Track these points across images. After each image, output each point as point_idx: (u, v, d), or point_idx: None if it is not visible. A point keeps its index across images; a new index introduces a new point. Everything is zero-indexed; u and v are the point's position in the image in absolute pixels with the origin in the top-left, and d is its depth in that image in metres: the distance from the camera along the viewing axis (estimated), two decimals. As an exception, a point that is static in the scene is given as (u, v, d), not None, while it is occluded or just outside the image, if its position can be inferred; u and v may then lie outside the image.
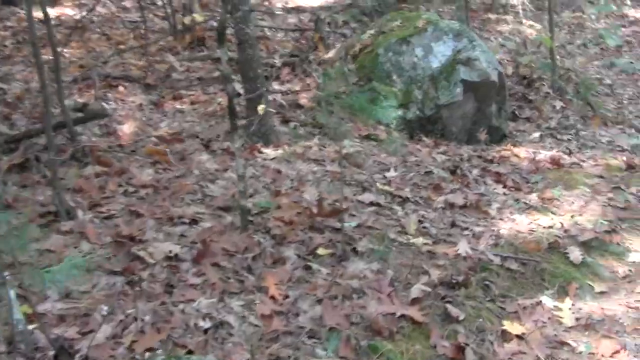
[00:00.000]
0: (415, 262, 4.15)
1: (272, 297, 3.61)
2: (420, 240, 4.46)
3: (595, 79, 10.04)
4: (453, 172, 5.79)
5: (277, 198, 4.75)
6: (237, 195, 4.35)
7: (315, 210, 4.55)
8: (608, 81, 10.21)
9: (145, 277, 3.59)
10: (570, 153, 6.83)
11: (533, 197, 5.50)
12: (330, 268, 3.98)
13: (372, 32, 7.42)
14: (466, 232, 4.72)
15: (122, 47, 7.92)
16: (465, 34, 7.21)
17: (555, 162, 6.35)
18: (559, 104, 8.27)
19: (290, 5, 10.83)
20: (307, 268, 3.95)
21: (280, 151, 5.58)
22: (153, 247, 3.86)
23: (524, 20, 11.48)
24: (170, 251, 3.84)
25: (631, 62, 11.15)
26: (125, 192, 4.60)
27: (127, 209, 4.32)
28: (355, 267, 4.02)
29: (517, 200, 5.42)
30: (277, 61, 7.47)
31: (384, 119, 6.49)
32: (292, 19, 9.93)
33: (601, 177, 6.14)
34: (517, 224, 4.96)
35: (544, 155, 6.57)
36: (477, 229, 4.78)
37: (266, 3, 10.66)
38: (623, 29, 13.01)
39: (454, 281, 4.01)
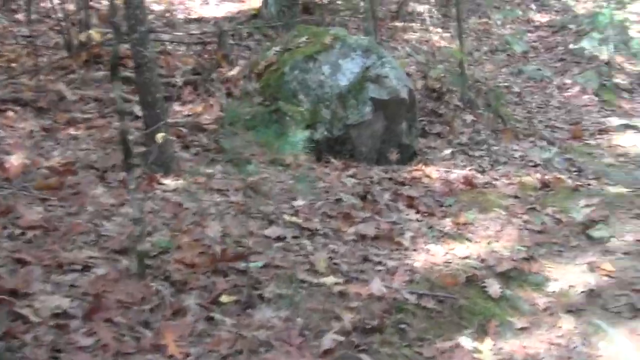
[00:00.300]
0: (326, 306, 3.90)
1: (172, 357, 3.30)
2: (331, 279, 4.19)
3: (504, 87, 10.00)
4: (363, 198, 5.55)
5: (177, 236, 4.43)
6: (134, 237, 4.02)
7: (218, 249, 4.26)
8: (516, 89, 10.20)
9: (28, 340, 3.23)
10: (483, 171, 6.70)
11: (447, 223, 5.34)
12: (235, 318, 3.69)
13: (277, 48, 7.14)
14: (379, 267, 4.48)
15: (13, 65, 7.48)
16: (375, 50, 7.00)
17: (469, 182, 6.21)
18: (469, 118, 8.13)
19: (193, 16, 10.50)
20: (210, 319, 3.64)
21: (181, 181, 5.26)
22: (39, 301, 3.50)
23: (431, 28, 11.37)
24: (58, 306, 3.49)
25: (539, 69, 11.17)
26: (10, 235, 4.20)
27: (11, 256, 3.94)
28: (262, 316, 3.73)
29: (431, 227, 5.24)
30: (179, 80, 7.13)
31: (292, 151, 6.23)
32: (195, 31, 9.60)
33: (516, 197, 6.05)
34: (432, 255, 4.77)
35: (456, 174, 6.41)
36: (391, 263, 4.54)
37: (168, 14, 10.30)
38: (529, 34, 13.11)
39: (368, 326, 3.77)
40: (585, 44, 11.87)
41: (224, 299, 3.82)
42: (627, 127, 9.04)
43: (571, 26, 13.14)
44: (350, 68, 6.75)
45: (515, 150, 7.63)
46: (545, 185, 6.38)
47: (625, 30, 12.16)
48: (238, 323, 3.64)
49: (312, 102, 6.61)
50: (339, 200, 5.40)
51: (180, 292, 3.83)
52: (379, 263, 4.55)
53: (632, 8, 13.00)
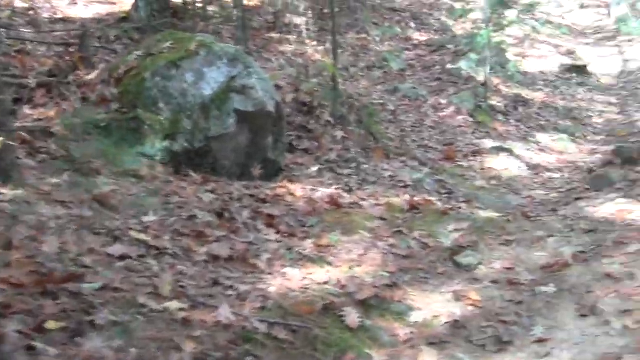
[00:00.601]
0: (165, 334, 3.54)
1: (-21, 394, 2.92)
2: (175, 304, 3.83)
3: (378, 104, 9.86)
4: (220, 215, 5.22)
5: (8, 252, 4.01)
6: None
7: (51, 266, 3.86)
8: (391, 107, 10.08)
9: None
10: (350, 190, 6.48)
11: (308, 244, 5.07)
12: (60, 347, 3.29)
13: (139, 53, 6.77)
14: (230, 292, 4.15)
15: None
16: (242, 60, 6.71)
17: (334, 202, 5.96)
18: (339, 134, 7.91)
19: (59, 16, 10.02)
20: (31, 349, 3.24)
21: (20, 191, 4.83)
22: None
23: (307, 41, 11.17)
24: None
25: (414, 88, 11.09)
26: None
27: None
28: (91, 345, 3.35)
29: (290, 249, 4.95)
30: (32, 81, 6.67)
31: (148, 162, 5.87)
32: (60, 32, 9.13)
33: (382, 219, 5.83)
34: (288, 280, 4.47)
35: (321, 193, 6.15)
36: (243, 288, 4.22)
37: (31, 13, 9.79)
38: (407, 53, 13.11)
39: (211, 358, 3.45)
40: (462, 64, 11.91)
41: (50, 325, 3.41)
42: (500, 149, 9.03)
43: (449, 46, 13.19)
44: (215, 77, 6.46)
45: (386, 169, 7.45)
46: (413, 207, 6.17)
47: (503, 53, 12.28)
48: (63, 353, 3.26)
49: (172, 111, 6.27)
50: (193, 217, 5.06)
51: (1, 317, 3.42)
52: (230, 287, 4.22)
53: (510, 31, 13.12)
